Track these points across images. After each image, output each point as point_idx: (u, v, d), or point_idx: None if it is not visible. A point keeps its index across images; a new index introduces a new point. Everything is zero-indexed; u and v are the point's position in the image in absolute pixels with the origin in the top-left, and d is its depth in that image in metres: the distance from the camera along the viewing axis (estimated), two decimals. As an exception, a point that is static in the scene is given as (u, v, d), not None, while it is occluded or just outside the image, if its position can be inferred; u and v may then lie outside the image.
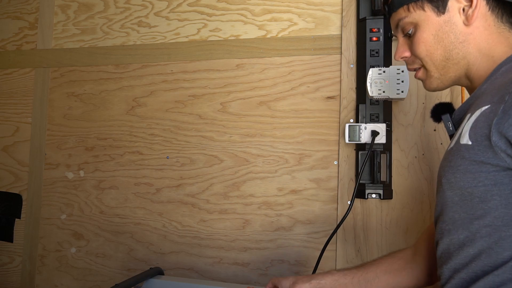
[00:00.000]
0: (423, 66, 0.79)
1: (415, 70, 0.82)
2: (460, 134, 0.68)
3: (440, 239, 0.71)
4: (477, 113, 0.66)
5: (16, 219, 1.65)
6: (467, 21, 0.73)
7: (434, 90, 0.82)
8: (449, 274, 0.68)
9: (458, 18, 0.73)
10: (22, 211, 1.64)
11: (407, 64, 0.83)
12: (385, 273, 0.86)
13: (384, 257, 0.90)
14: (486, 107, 0.65)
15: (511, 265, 0.61)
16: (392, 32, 0.85)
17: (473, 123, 0.66)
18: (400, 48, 0.82)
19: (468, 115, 0.70)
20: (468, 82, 0.78)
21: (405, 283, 0.85)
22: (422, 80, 0.82)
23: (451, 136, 0.79)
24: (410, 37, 0.79)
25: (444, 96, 1.23)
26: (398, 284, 0.85)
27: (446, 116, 0.80)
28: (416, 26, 0.76)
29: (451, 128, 0.79)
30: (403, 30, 0.80)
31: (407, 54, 0.81)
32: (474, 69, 0.75)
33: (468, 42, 0.74)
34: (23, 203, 1.64)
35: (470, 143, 0.65)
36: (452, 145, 0.71)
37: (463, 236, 0.66)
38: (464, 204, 0.66)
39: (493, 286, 0.61)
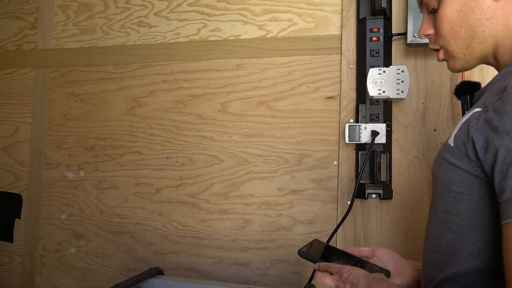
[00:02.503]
0: (444, 46, 0.75)
1: (436, 50, 0.78)
2: (451, 132, 0.67)
3: (427, 225, 0.73)
4: (469, 113, 0.65)
5: (16, 219, 1.65)
6: None
7: (460, 71, 0.77)
8: (425, 259, 0.72)
9: None
10: (22, 211, 1.64)
11: (430, 42, 0.78)
12: None
13: None
14: (478, 110, 0.63)
15: (466, 265, 0.63)
16: (419, 8, 0.80)
17: (461, 124, 0.65)
18: (424, 25, 0.77)
19: (471, 109, 0.68)
20: (496, 64, 0.74)
21: None
22: (446, 61, 0.78)
23: None
24: (434, 14, 0.74)
25: (444, 96, 1.23)
26: None
27: (465, 97, 0.78)
28: (440, 1, 0.72)
29: (465, 112, 0.77)
30: (427, 6, 0.75)
31: (431, 31, 0.76)
32: (501, 50, 0.70)
33: (496, 19, 0.68)
34: (23, 203, 1.64)
35: (452, 145, 0.65)
36: (446, 139, 0.71)
37: (440, 228, 0.68)
38: (443, 199, 0.67)
39: (451, 280, 0.65)
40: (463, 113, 0.78)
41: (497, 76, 0.70)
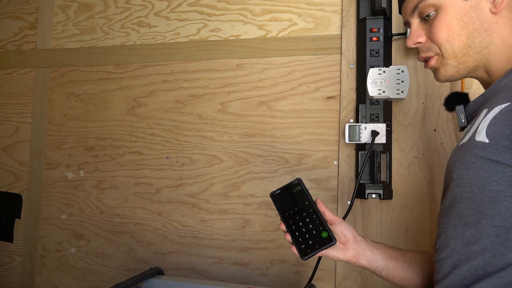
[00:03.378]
0: (438, 53, 0.75)
1: (425, 60, 0.78)
2: (476, 130, 0.66)
3: (443, 232, 0.69)
4: (496, 109, 0.64)
5: (16, 219, 1.65)
6: (495, 9, 0.70)
7: (447, 81, 0.77)
8: (448, 269, 0.67)
9: (485, 4, 0.71)
10: (22, 211, 1.64)
11: (419, 51, 0.78)
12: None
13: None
14: (506, 104, 0.63)
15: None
16: (404, 17, 0.80)
17: (491, 121, 0.64)
18: (414, 33, 0.77)
19: (485, 111, 0.67)
20: (485, 74, 0.75)
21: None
22: (434, 69, 0.78)
23: (462, 129, 0.78)
24: (427, 21, 0.75)
25: (444, 96, 1.23)
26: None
27: (460, 107, 0.77)
28: (438, 8, 0.72)
29: (463, 121, 0.77)
30: (421, 13, 0.75)
31: (422, 39, 0.76)
32: (495, 60, 0.72)
33: (492, 31, 0.71)
34: (23, 203, 1.64)
35: (487, 141, 0.63)
36: (465, 140, 0.69)
37: (468, 233, 0.64)
38: (473, 201, 0.64)
39: (495, 287, 0.60)
40: (460, 122, 0.77)
41: (504, 79, 0.70)
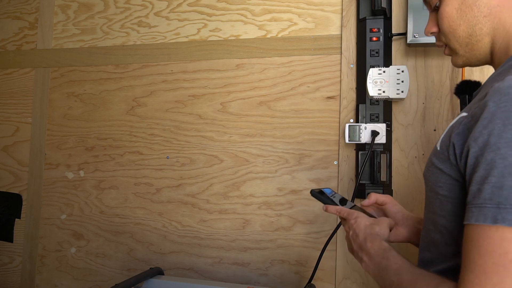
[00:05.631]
0: (446, 44, 0.75)
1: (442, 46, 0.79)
2: (441, 135, 0.68)
3: (423, 223, 0.76)
4: (456, 117, 0.66)
5: (16, 219, 1.65)
6: None
7: (462, 67, 0.78)
8: (420, 249, 0.75)
9: None
10: (22, 211, 1.64)
11: (436, 39, 0.79)
12: None
13: None
14: (463, 115, 0.63)
15: (450, 264, 0.66)
16: (425, 7, 0.81)
17: (448, 128, 0.66)
18: (429, 23, 0.78)
19: (459, 114, 0.69)
20: (493, 62, 0.74)
21: None
22: (450, 56, 0.79)
23: None
24: (437, 11, 0.75)
25: (444, 96, 1.23)
26: None
27: (463, 97, 0.78)
28: None
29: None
30: (430, 3, 0.76)
31: (435, 29, 0.76)
32: (497, 48, 0.70)
33: (493, 16, 0.68)
34: (23, 203, 1.64)
35: (438, 148, 0.66)
36: None
37: (430, 228, 0.71)
38: (433, 200, 0.69)
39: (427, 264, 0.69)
40: None
41: (489, 78, 0.70)
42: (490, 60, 0.73)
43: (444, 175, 0.64)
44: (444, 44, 0.77)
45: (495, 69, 0.73)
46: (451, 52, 0.76)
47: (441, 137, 0.66)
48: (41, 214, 1.61)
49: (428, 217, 0.71)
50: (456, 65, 0.77)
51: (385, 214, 0.86)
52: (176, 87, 1.50)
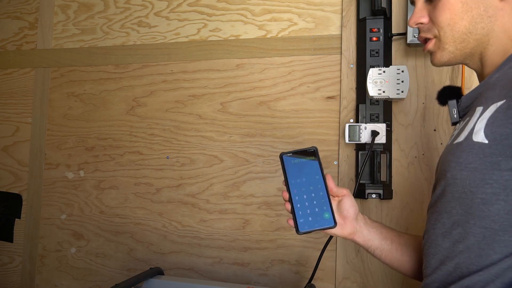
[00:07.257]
0: (437, 36, 0.73)
1: (424, 41, 0.76)
2: (473, 130, 0.64)
3: (432, 228, 0.70)
4: (492, 108, 0.63)
5: (16, 219, 1.65)
6: None
7: (442, 65, 0.75)
8: (436, 265, 0.68)
9: None
10: (22, 211, 1.64)
11: (420, 31, 0.76)
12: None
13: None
14: (502, 102, 0.61)
15: (497, 267, 0.60)
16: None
17: (488, 120, 0.62)
18: (417, 13, 0.75)
19: (479, 109, 0.66)
20: (479, 64, 0.73)
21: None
22: (431, 52, 0.76)
23: (454, 124, 0.76)
24: (432, 2, 0.73)
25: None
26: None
27: (452, 102, 0.76)
28: None
29: (455, 116, 0.75)
30: None
31: (425, 20, 0.74)
32: (491, 50, 0.70)
33: (496, 18, 0.68)
34: (23, 203, 1.64)
35: (486, 141, 0.61)
36: (460, 139, 0.67)
37: (456, 232, 0.65)
38: (463, 201, 0.64)
39: (477, 284, 0.61)
40: (453, 118, 0.76)
41: (497, 73, 0.68)
42: (477, 61, 0.73)
43: (500, 168, 0.60)
44: (431, 37, 0.74)
45: (480, 70, 0.73)
46: (438, 47, 0.74)
47: (482, 130, 0.62)
48: (41, 214, 1.61)
49: (452, 221, 0.66)
50: (438, 62, 0.75)
51: (338, 206, 0.81)
52: (176, 87, 1.50)
